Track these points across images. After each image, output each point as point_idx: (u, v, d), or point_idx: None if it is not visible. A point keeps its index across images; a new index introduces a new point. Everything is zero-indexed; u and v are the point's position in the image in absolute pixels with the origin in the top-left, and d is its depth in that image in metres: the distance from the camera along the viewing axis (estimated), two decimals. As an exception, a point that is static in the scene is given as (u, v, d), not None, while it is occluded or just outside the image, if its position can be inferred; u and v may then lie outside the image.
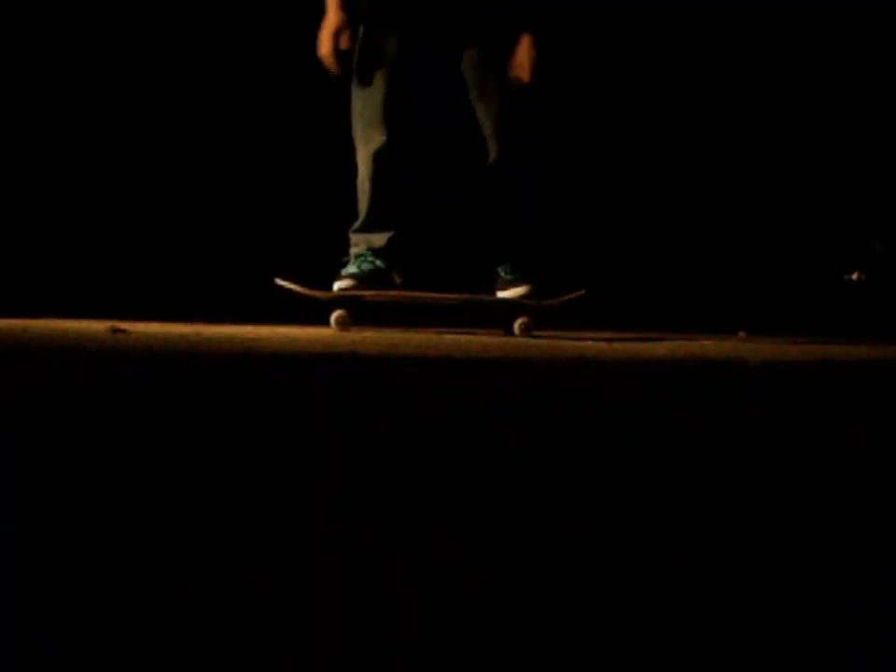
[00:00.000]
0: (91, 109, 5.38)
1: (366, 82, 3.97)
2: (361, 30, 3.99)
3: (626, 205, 5.75)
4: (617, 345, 3.47)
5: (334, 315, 3.93)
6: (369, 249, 4.01)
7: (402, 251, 4.05)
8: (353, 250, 4.04)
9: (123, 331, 3.17)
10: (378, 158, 3.96)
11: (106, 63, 5.39)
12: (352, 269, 3.97)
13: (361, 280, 3.94)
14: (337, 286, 3.93)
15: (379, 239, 4.01)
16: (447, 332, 3.85)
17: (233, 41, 5.44)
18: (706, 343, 3.99)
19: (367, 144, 3.97)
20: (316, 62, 3.96)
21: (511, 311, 4.01)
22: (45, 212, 5.36)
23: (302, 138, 5.37)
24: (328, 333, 3.66)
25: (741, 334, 4.37)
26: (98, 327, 3.33)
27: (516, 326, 3.98)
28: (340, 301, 3.93)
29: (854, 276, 6.01)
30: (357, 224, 4.05)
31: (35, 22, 5.28)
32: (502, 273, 4.05)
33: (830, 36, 5.81)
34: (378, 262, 3.99)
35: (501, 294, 4.05)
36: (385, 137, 3.93)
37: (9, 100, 5.28)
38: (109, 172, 5.41)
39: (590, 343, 3.62)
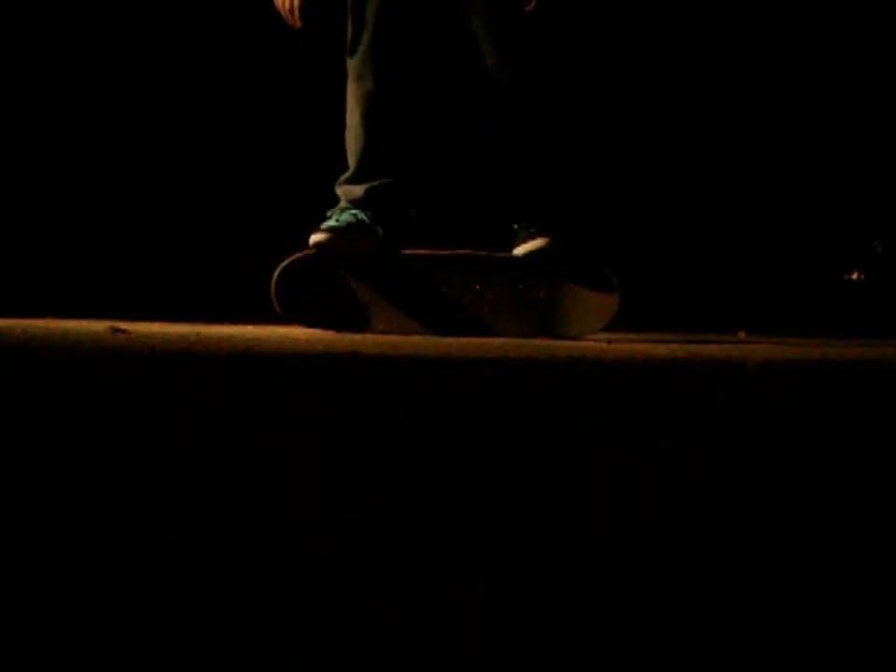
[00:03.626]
0: (91, 110, 5.38)
1: (358, 16, 3.73)
2: None
3: (625, 206, 5.75)
4: (616, 345, 3.47)
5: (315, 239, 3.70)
6: (349, 201, 3.79)
7: (391, 201, 3.80)
8: (339, 206, 3.83)
9: (123, 331, 3.17)
10: (370, 99, 3.74)
11: (107, 66, 5.39)
12: (330, 222, 3.76)
13: (339, 233, 3.71)
14: (312, 239, 3.72)
15: (358, 190, 3.79)
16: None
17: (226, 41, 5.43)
18: (742, 335, 4.00)
19: (358, 82, 3.75)
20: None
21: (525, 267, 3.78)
22: (45, 212, 5.36)
23: (305, 139, 5.37)
24: (328, 333, 3.65)
25: (741, 334, 4.37)
26: (98, 327, 3.33)
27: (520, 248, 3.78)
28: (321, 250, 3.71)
29: (854, 276, 6.01)
30: (343, 176, 3.84)
31: (25, 27, 5.28)
32: (519, 229, 3.80)
33: (830, 36, 5.81)
34: (360, 215, 3.76)
35: (518, 250, 3.80)
36: (374, 76, 3.71)
37: (10, 103, 5.28)
38: (109, 173, 5.41)
39: (590, 342, 3.62)
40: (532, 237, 3.80)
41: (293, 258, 3.79)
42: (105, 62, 5.34)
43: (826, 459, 1.47)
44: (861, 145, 5.88)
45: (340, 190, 3.85)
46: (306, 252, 3.79)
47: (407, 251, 3.84)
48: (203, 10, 5.40)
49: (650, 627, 0.81)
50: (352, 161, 3.83)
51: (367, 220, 3.76)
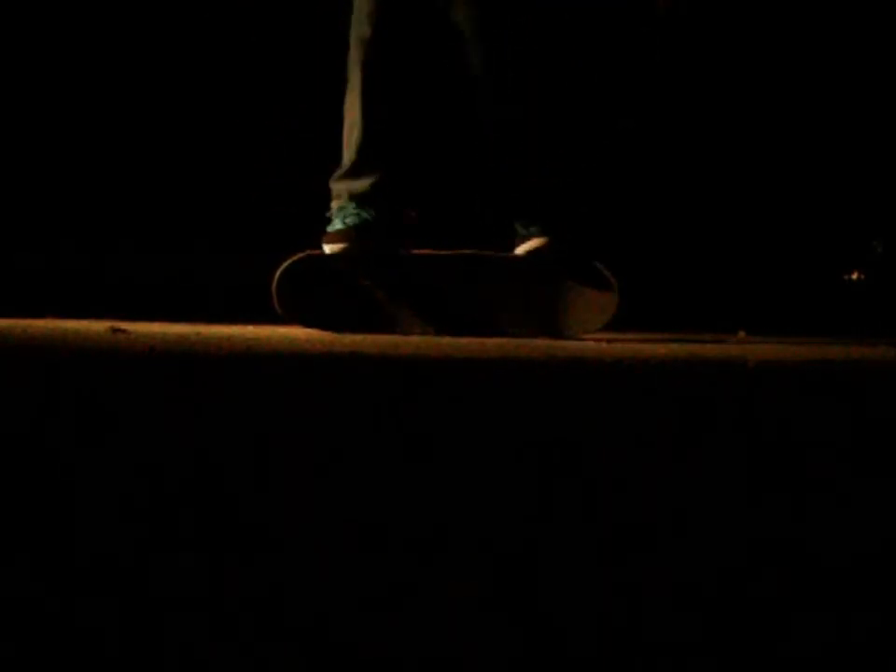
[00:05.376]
0: (89, 106, 5.38)
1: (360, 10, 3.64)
2: None
3: (624, 206, 5.75)
4: (616, 345, 3.47)
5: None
6: (351, 199, 3.68)
7: (394, 196, 3.73)
8: (334, 203, 3.71)
9: (123, 331, 3.17)
10: (370, 83, 3.65)
11: (104, 65, 5.39)
12: (336, 225, 3.68)
13: (352, 237, 3.62)
14: (328, 248, 3.67)
15: (361, 184, 3.67)
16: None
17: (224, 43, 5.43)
18: (741, 335, 3.99)
19: (361, 70, 3.67)
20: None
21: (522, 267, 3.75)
22: (45, 212, 5.36)
23: (304, 139, 5.37)
24: (328, 333, 3.65)
25: (741, 334, 4.37)
26: (98, 327, 3.33)
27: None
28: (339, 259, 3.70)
29: (854, 276, 6.02)
30: (339, 171, 3.72)
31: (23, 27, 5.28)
32: (519, 229, 3.76)
33: (830, 37, 5.81)
34: (363, 213, 3.66)
35: (518, 250, 3.77)
36: (374, 65, 3.63)
37: (9, 100, 5.28)
38: (109, 171, 5.41)
39: (590, 342, 3.61)
40: (532, 237, 3.81)
41: (294, 258, 3.79)
42: (102, 63, 5.34)
43: (826, 459, 1.47)
44: (860, 145, 5.88)
45: (340, 186, 3.74)
46: (307, 252, 3.79)
47: (407, 251, 3.84)
48: (202, 10, 5.40)
49: (649, 627, 0.81)
50: (350, 152, 3.73)
51: (370, 219, 3.69)
